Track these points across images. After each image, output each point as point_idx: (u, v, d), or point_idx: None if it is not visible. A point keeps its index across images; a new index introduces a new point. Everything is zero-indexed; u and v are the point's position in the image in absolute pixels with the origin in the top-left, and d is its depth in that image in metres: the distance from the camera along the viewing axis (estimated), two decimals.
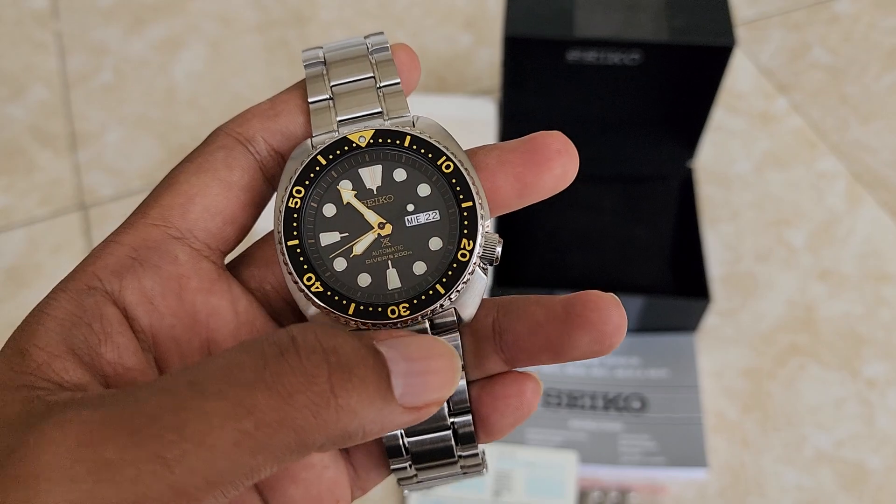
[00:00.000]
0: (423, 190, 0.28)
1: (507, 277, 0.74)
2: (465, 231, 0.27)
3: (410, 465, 0.29)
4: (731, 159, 0.87)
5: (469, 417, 0.28)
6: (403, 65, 0.29)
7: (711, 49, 0.70)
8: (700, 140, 0.78)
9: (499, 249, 0.27)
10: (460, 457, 0.29)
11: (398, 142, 0.28)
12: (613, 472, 0.69)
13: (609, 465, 0.69)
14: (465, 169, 0.27)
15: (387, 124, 0.28)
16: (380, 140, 0.28)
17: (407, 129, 0.28)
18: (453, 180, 0.27)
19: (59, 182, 0.86)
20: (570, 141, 0.28)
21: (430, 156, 0.28)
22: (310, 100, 0.29)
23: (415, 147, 0.28)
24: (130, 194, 0.85)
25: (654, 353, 0.74)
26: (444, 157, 0.28)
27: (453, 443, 0.28)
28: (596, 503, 0.68)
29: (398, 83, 0.29)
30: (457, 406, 0.28)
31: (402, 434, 0.28)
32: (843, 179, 0.85)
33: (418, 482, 0.30)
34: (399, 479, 0.29)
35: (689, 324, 0.74)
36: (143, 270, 0.26)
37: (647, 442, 0.70)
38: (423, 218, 0.27)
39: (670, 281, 0.77)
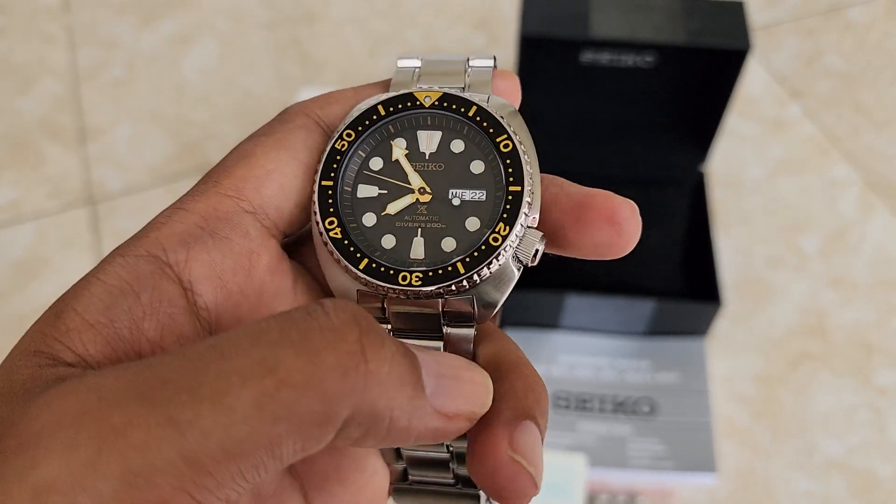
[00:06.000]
0: (477, 167, 0.26)
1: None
2: (505, 216, 0.25)
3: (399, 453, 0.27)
4: (744, 164, 0.86)
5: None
6: (502, 93, 0.28)
7: (726, 52, 0.70)
8: (713, 144, 0.78)
9: (538, 248, 0.25)
10: (451, 450, 0.27)
11: (463, 110, 0.26)
12: (622, 476, 0.69)
13: (618, 468, 0.68)
14: (524, 152, 0.26)
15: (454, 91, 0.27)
16: (445, 104, 0.26)
17: (475, 100, 0.26)
18: (507, 160, 0.25)
19: (68, 176, 0.86)
20: (634, 216, 0.25)
21: (491, 130, 0.26)
22: (398, 65, 0.28)
23: (478, 119, 0.26)
24: (139, 190, 0.85)
25: (664, 356, 0.74)
26: (506, 136, 0.26)
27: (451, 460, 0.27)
28: None
29: (490, 66, 0.28)
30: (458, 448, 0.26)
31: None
32: (856, 187, 0.85)
33: (409, 485, 0.28)
34: (393, 481, 0.28)
35: (699, 328, 0.74)
36: (214, 242, 0.24)
37: (657, 446, 0.69)
38: (468, 195, 0.26)
39: (681, 285, 0.77)
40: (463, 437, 0.25)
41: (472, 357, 0.25)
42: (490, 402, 0.23)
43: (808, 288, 0.79)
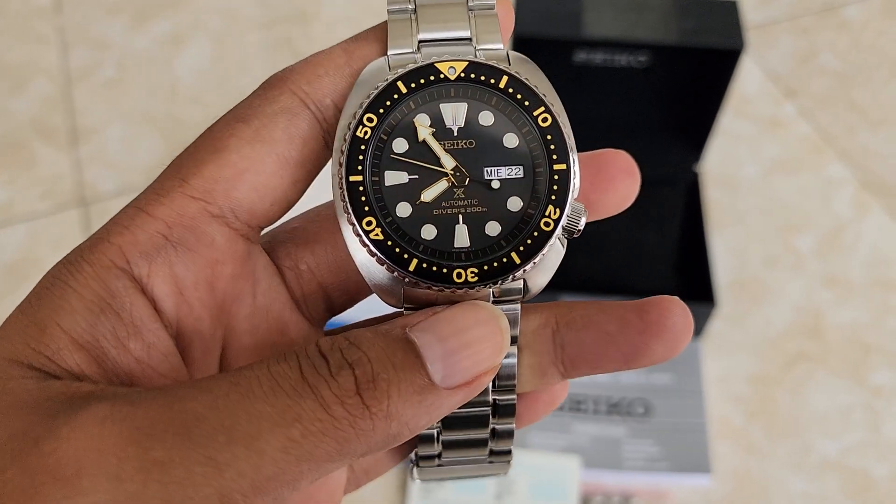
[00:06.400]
0: (510, 140, 0.24)
1: None
2: (554, 197, 0.24)
3: (437, 438, 0.26)
4: (739, 164, 0.86)
5: (514, 396, 0.26)
6: (502, 22, 0.26)
7: (720, 52, 0.69)
8: (707, 144, 0.77)
9: (583, 221, 0.24)
10: (494, 431, 0.27)
11: (493, 80, 0.24)
12: (616, 478, 0.68)
13: (612, 470, 0.68)
14: (563, 124, 0.24)
15: (480, 58, 0.25)
16: (472, 75, 0.24)
17: (504, 67, 0.24)
18: (548, 136, 0.24)
19: (61, 177, 0.85)
20: (634, 162, 0.26)
21: (526, 103, 0.24)
22: (389, 7, 0.25)
23: (511, 90, 0.24)
24: (132, 190, 0.84)
25: None
26: (543, 108, 0.24)
27: (490, 414, 0.26)
28: None
29: (493, 5, 0.26)
30: (502, 383, 0.25)
31: None
32: (851, 186, 0.84)
33: (438, 465, 0.27)
34: (419, 461, 0.27)
35: (694, 329, 0.73)
36: (176, 255, 0.23)
37: (651, 447, 0.69)
38: (504, 172, 0.24)
39: (675, 285, 0.77)
40: (509, 390, 0.26)
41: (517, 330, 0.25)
42: (507, 343, 0.23)
43: (803, 288, 0.78)
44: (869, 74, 0.93)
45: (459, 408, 0.25)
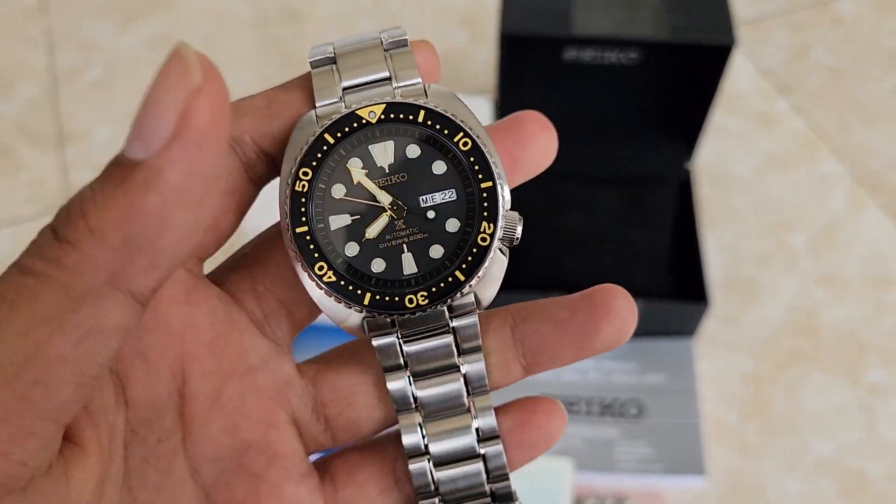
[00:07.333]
0: (439, 167, 0.27)
1: (503, 280, 0.73)
2: (486, 214, 0.26)
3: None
4: (731, 161, 0.85)
5: (500, 447, 0.27)
6: (422, 66, 0.27)
7: (711, 48, 0.69)
8: (699, 141, 0.77)
9: (519, 229, 0.27)
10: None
11: (411, 117, 0.26)
12: (610, 480, 0.68)
13: (605, 472, 0.67)
14: (484, 145, 0.26)
15: (398, 94, 0.27)
16: (392, 115, 0.26)
17: (421, 102, 0.26)
18: (471, 158, 0.26)
19: (46, 181, 0.84)
20: (545, 117, 0.28)
21: (445, 132, 0.26)
22: (310, 59, 0.27)
23: (430, 122, 0.26)
24: None
25: (651, 358, 0.73)
26: (462, 134, 0.26)
27: (484, 475, 0.28)
28: None
29: (407, 47, 0.27)
30: (475, 385, 0.27)
31: (430, 470, 0.27)
32: (845, 183, 0.84)
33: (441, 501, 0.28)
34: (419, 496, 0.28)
35: (687, 328, 0.73)
36: None
37: (645, 448, 0.68)
38: (438, 198, 0.26)
39: (668, 284, 0.76)
40: (504, 478, 0.27)
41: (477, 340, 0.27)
42: (196, 64, 0.20)
43: (797, 286, 0.78)
44: (863, 70, 0.92)
45: (444, 432, 0.27)
